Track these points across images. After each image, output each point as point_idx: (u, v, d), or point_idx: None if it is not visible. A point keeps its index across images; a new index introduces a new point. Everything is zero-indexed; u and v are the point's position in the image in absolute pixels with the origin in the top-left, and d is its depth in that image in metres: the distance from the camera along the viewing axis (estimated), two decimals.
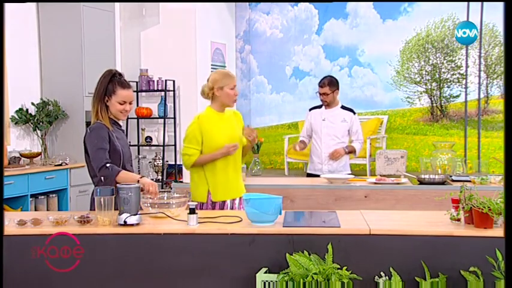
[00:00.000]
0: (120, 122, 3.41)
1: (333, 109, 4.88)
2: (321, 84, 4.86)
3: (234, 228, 2.76)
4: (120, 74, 3.31)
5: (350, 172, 4.85)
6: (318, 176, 4.74)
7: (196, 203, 2.82)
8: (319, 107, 4.95)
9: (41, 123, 5.99)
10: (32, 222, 2.81)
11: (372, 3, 7.48)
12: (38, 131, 6.06)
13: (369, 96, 7.50)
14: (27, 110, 5.99)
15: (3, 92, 2.37)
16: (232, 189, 3.58)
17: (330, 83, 4.83)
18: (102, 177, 3.10)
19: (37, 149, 6.09)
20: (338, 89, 4.88)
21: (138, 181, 3.04)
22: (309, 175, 4.95)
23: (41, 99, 6.18)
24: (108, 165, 3.10)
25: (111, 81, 3.25)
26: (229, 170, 3.56)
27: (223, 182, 3.53)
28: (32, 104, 6.05)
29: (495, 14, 6.93)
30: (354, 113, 4.93)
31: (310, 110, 5.03)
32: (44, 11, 6.24)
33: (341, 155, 4.79)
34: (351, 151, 4.85)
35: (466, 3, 7.00)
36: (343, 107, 4.92)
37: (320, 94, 4.86)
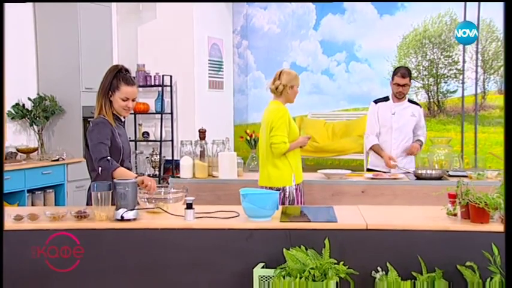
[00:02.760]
0: (121, 118, 3.39)
1: (402, 102, 4.65)
2: (402, 75, 4.55)
3: (231, 223, 2.76)
4: (126, 70, 3.30)
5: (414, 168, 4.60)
6: (381, 172, 4.49)
7: (193, 198, 2.82)
8: (385, 99, 4.69)
9: (37, 119, 5.98)
10: (28, 217, 2.80)
11: None
12: (35, 126, 6.05)
13: (366, 91, 7.49)
14: (23, 105, 5.98)
15: (3, 90, 2.36)
16: (302, 173, 4.06)
17: (410, 74, 4.62)
18: (100, 168, 3.09)
19: (34, 144, 6.08)
20: None
21: (139, 185, 3.04)
22: (370, 170, 4.71)
23: (38, 94, 6.16)
24: (108, 158, 3.10)
25: (116, 76, 3.24)
26: (300, 156, 4.07)
27: (300, 167, 4.03)
28: (29, 99, 6.04)
29: (492, 9, 6.93)
30: (421, 107, 4.79)
31: (376, 102, 4.71)
32: (41, 5, 6.21)
33: (419, 151, 4.58)
34: (420, 146, 4.68)
35: None
36: (409, 101, 4.74)
37: (399, 85, 4.56)
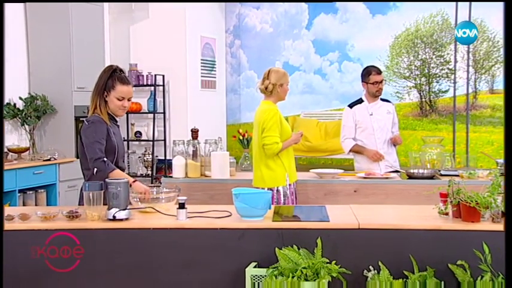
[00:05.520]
0: (116, 117, 3.37)
1: (376, 102, 4.67)
2: (378, 71, 4.59)
3: (224, 222, 2.76)
4: (121, 70, 3.30)
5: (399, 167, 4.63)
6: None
7: (185, 198, 2.81)
8: (359, 102, 4.69)
9: (29, 118, 5.94)
10: (19, 217, 2.79)
11: None
12: (26, 126, 6.01)
13: (358, 91, 7.44)
14: (14, 104, 5.94)
15: (3, 90, 2.36)
16: (295, 172, 4.07)
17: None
18: (95, 169, 3.08)
19: (25, 144, 6.04)
20: None
21: (131, 185, 3.04)
22: None
23: (29, 93, 6.12)
24: (104, 159, 3.09)
25: (111, 76, 3.23)
26: (293, 155, 4.07)
27: (293, 166, 4.03)
28: (20, 98, 6.00)
29: (483, 9, 6.97)
30: (393, 104, 4.83)
31: (351, 107, 4.69)
32: (32, 4, 6.17)
33: (401, 141, 4.68)
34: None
35: None
36: (381, 99, 4.74)
37: (377, 83, 4.58)
